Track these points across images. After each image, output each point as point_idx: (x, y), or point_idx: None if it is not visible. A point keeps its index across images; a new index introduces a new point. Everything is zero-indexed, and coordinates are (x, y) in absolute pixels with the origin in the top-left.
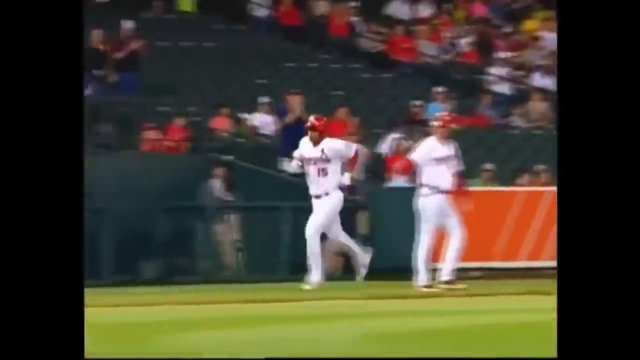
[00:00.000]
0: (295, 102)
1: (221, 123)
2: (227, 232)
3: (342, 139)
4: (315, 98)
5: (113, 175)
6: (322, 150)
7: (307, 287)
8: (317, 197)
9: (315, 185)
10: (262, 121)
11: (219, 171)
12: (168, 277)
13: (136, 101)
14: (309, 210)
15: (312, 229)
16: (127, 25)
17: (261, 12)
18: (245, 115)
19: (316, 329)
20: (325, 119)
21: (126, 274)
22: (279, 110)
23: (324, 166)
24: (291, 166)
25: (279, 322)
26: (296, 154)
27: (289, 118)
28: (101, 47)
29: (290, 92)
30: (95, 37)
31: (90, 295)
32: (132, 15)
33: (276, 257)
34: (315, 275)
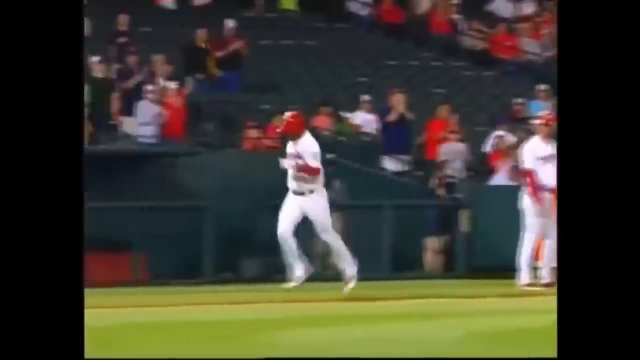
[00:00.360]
0: (397, 101)
1: (322, 121)
2: None
3: (317, 148)
4: (417, 96)
5: (215, 173)
6: (296, 147)
7: (349, 286)
8: (299, 193)
9: (293, 181)
10: (364, 119)
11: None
12: (269, 275)
13: (238, 99)
14: (411, 209)
15: (324, 232)
16: (229, 24)
17: (362, 10)
18: (347, 114)
19: (419, 327)
20: (300, 115)
21: (227, 272)
22: (380, 108)
23: (299, 162)
24: (282, 164)
25: (381, 321)
26: None
27: (391, 116)
28: (204, 45)
29: (392, 90)
30: (200, 36)
31: (192, 294)
32: (234, 14)
33: (378, 256)
34: (350, 270)
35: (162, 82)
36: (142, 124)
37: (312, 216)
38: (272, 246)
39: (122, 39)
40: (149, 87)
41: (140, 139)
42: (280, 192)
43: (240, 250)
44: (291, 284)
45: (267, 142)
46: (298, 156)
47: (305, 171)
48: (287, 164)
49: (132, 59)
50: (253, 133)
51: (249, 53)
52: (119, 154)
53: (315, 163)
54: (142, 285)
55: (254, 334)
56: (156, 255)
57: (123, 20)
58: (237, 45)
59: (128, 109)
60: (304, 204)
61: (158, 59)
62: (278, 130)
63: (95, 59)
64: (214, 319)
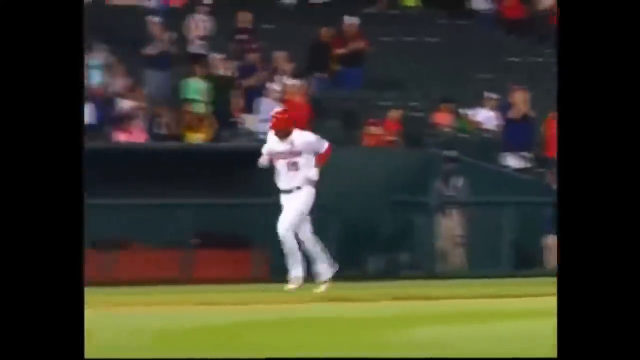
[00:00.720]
0: (520, 98)
1: (444, 118)
2: (451, 227)
3: (312, 133)
4: (540, 93)
5: (336, 170)
6: (292, 143)
7: (290, 286)
8: (288, 192)
9: (284, 180)
10: (485, 116)
11: (443, 166)
12: (392, 272)
13: (359, 96)
14: (532, 206)
15: (283, 228)
16: (350, 20)
17: (484, 6)
18: (468, 111)
19: (540, 325)
20: (287, 111)
21: (351, 269)
22: (502, 105)
23: (295, 160)
24: (260, 161)
25: (502, 318)
26: (265, 149)
27: (513, 113)
28: (327, 43)
29: (514, 87)
30: (324, 33)
31: (312, 291)
32: (355, 10)
33: (498, 253)
34: (296, 271)
35: (283, 79)
36: (263, 120)
37: (288, 207)
38: (395, 243)
39: (243, 36)
40: (272, 85)
41: (261, 136)
42: (403, 187)
43: (362, 246)
44: (290, 286)
45: (388, 138)
46: (296, 153)
47: (326, 157)
48: (279, 164)
49: (253, 56)
50: (374, 129)
51: (371, 49)
52: (240, 150)
53: (324, 145)
54: (262, 282)
55: (375, 331)
56: (277, 252)
57: (245, 18)
58: (358, 42)
59: (249, 106)
60: (287, 200)
61: (279, 56)
62: (268, 128)
63: (217, 56)
64: (336, 316)
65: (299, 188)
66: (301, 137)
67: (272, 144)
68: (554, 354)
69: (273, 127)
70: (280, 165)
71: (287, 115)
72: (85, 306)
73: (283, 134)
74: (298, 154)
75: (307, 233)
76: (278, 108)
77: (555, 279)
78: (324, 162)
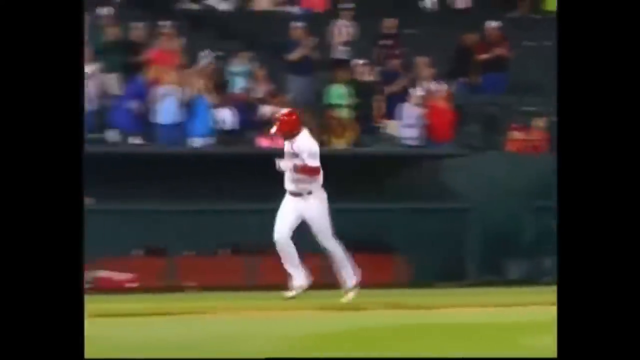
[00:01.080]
0: None
1: None
2: None
3: (316, 147)
4: None
5: (479, 175)
6: (292, 146)
7: (349, 297)
8: (297, 194)
9: (290, 182)
10: None
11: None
12: (534, 277)
13: (502, 101)
14: None
15: (322, 238)
16: (492, 25)
17: None
18: None
19: None
20: (294, 112)
21: (492, 274)
22: None
23: (296, 162)
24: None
25: None
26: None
27: None
28: (470, 48)
29: None
30: (468, 39)
31: (455, 296)
32: (498, 16)
33: None
34: (350, 281)
35: (425, 84)
36: (405, 126)
37: (308, 219)
38: (537, 248)
39: (387, 42)
40: (416, 90)
41: (403, 141)
42: (546, 193)
43: (504, 251)
44: (290, 294)
45: (531, 144)
46: (295, 155)
47: (304, 171)
48: (283, 164)
49: (395, 62)
50: (517, 135)
51: (513, 54)
52: (382, 156)
53: (315, 162)
54: (404, 287)
55: (514, 337)
56: (420, 257)
57: (390, 24)
58: (501, 47)
59: (391, 112)
60: (301, 207)
61: (421, 62)
62: (272, 131)
63: (360, 61)
64: (476, 321)
65: (310, 193)
66: (301, 143)
67: (285, 144)
68: None
69: (277, 131)
70: (286, 166)
71: (294, 117)
72: (218, 310)
73: (288, 135)
74: (297, 156)
75: (285, 238)
76: (286, 110)
77: None
78: (303, 174)
